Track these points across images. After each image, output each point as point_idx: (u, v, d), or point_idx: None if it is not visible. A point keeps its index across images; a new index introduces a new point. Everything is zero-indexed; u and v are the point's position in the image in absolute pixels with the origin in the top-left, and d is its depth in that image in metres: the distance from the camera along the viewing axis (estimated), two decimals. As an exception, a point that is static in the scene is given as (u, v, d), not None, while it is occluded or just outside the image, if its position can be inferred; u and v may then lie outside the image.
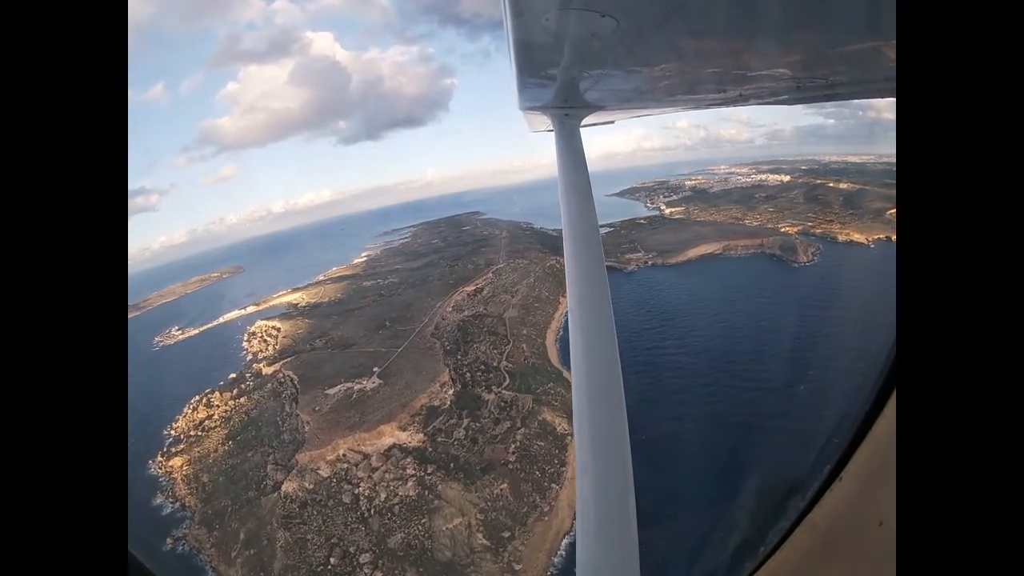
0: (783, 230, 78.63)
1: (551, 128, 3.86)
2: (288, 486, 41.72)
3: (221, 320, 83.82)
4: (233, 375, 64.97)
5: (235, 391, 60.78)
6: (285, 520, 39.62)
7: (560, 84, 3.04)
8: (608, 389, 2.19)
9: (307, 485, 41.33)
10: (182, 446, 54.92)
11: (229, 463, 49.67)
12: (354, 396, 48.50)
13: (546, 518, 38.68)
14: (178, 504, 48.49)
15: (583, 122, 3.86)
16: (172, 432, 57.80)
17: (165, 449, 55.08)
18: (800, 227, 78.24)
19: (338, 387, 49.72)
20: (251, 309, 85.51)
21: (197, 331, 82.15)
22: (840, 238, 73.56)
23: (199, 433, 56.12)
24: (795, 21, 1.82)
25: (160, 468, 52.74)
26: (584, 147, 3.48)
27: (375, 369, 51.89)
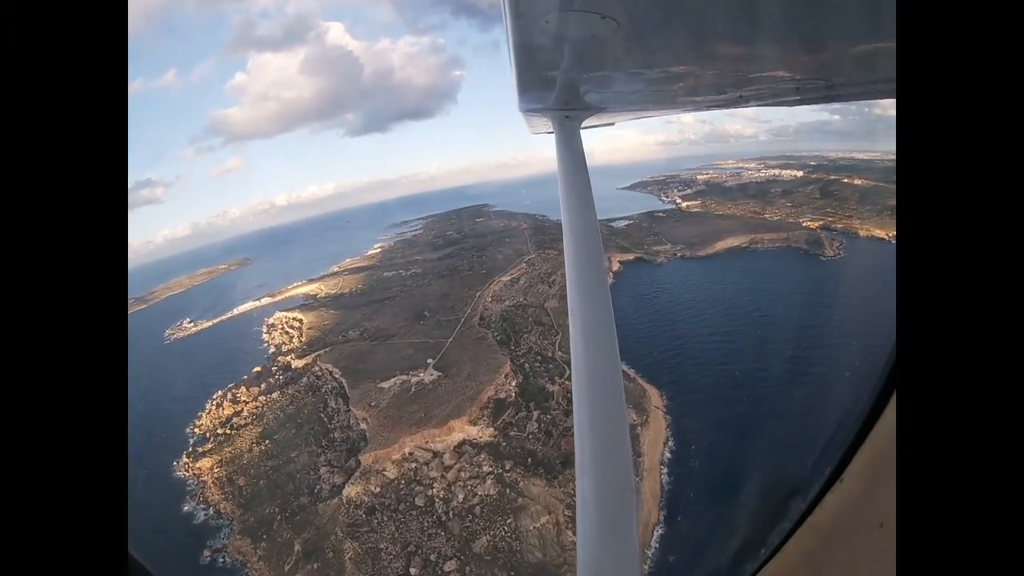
0: (805, 225, 77.19)
1: (551, 130, 3.75)
2: (351, 490, 36.17)
3: (235, 312, 76.18)
4: (258, 369, 58.23)
5: (263, 385, 54.16)
6: (351, 528, 34.18)
7: (560, 86, 2.94)
8: (608, 389, 2.12)
9: (373, 488, 35.89)
10: (209, 446, 48.12)
11: (269, 465, 43.46)
12: (412, 389, 43.08)
13: (632, 513, 34.99)
14: (212, 511, 42.00)
15: (583, 124, 3.70)
16: (196, 430, 50.86)
17: (190, 449, 48.15)
18: (821, 222, 76.84)
19: (393, 380, 44.15)
20: (266, 300, 78.17)
21: (210, 323, 74.34)
22: (862, 233, 72.48)
23: (228, 431, 49.42)
24: (796, 23, 1.73)
25: (187, 470, 45.94)
26: (585, 148, 3.37)
27: (429, 361, 46.54)
